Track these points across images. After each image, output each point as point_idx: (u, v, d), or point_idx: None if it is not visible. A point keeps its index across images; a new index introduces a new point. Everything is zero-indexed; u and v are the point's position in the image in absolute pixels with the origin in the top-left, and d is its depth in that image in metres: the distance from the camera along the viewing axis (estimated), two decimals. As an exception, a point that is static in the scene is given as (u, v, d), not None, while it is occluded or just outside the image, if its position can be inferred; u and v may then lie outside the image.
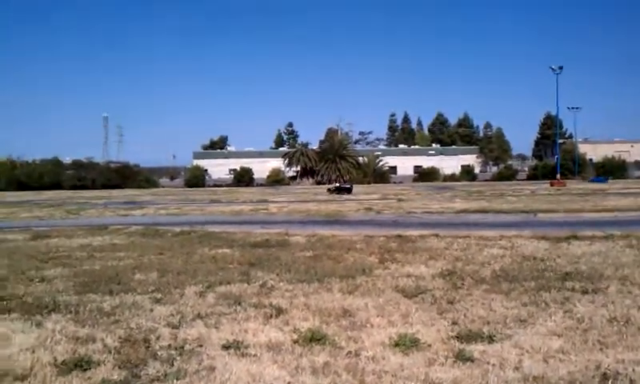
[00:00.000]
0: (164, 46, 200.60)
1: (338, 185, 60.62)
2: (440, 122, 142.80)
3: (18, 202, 48.29)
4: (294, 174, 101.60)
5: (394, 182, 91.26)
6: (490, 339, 6.30)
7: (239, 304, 8.00)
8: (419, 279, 9.58)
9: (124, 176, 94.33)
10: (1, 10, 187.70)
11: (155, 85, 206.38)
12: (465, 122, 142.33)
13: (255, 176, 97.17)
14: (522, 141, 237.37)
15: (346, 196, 47.89)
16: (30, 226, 22.93)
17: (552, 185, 59.16)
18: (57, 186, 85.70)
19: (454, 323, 6.94)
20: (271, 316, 7.40)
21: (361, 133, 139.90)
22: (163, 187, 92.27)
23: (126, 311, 7.74)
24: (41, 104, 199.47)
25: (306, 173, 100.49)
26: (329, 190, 56.85)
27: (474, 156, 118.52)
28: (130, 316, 7.51)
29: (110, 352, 6.12)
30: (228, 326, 6.98)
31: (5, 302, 8.31)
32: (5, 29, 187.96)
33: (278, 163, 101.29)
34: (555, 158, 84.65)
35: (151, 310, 7.78)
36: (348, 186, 57.19)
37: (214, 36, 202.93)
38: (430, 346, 6.14)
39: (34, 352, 6.15)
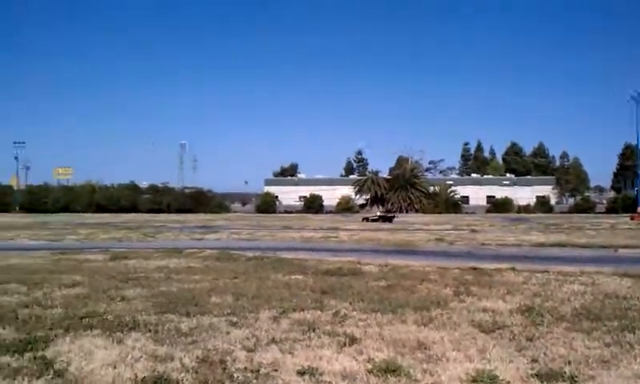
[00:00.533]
0: (237, 76, 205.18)
1: (379, 214, 62.16)
2: (514, 151, 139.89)
3: (97, 223, 50.22)
4: (364, 201, 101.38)
5: (466, 212, 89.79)
6: (572, 380, 6.06)
7: (313, 331, 8.00)
8: (496, 314, 9.32)
9: (198, 201, 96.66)
10: (84, 43, 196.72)
11: (229, 113, 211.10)
12: (540, 152, 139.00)
13: (325, 203, 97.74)
14: (600, 172, 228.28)
15: (386, 224, 49.29)
16: (109, 247, 23.73)
17: (632, 219, 56.75)
18: (134, 209, 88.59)
19: (534, 361, 6.71)
20: (345, 344, 7.35)
21: (431, 162, 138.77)
22: (235, 212, 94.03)
23: (202, 332, 7.87)
24: (119, 131, 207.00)
25: (375, 201, 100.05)
26: (366, 219, 57.63)
27: (550, 187, 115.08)
28: (206, 337, 7.63)
29: (187, 371, 6.23)
30: (302, 352, 6.98)
31: (87, 319, 8.59)
32: (86, 59, 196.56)
33: (347, 191, 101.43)
34: (635, 190, 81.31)
35: (227, 333, 7.88)
36: (391, 214, 59.13)
37: (286, 66, 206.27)
38: (508, 383, 5.96)
39: (115, 368, 6.34)
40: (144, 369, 6.30)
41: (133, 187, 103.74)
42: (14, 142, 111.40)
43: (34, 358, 6.64)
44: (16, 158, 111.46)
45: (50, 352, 6.88)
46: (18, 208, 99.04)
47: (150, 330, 7.97)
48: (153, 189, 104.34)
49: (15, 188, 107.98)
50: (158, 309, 9.49)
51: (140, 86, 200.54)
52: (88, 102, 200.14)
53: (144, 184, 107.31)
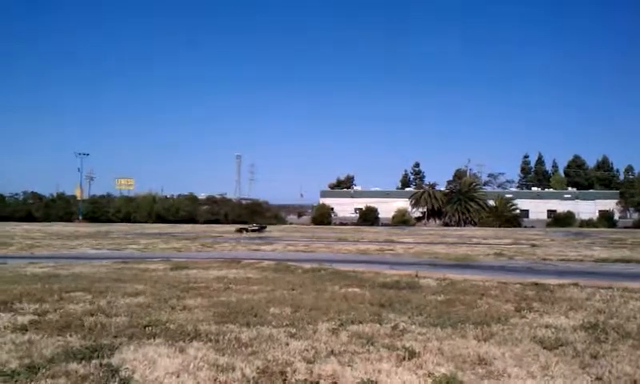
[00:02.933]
0: (294, 87, 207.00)
1: (254, 226, 62.86)
2: (577, 164, 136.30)
3: (157, 233, 51.35)
4: (420, 214, 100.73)
5: (526, 226, 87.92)
6: (639, 399, 5.88)
7: (372, 344, 7.96)
8: (559, 330, 9.10)
9: (254, 212, 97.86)
10: (147, 56, 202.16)
11: (286, 125, 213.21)
12: (604, 165, 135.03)
13: (380, 216, 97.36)
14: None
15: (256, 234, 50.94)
16: (169, 256, 24.25)
17: (701, 234, 54.52)
18: (192, 219, 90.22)
19: (598, 378, 6.54)
20: (404, 358, 7.30)
21: (490, 174, 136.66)
22: (291, 224, 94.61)
23: (262, 343, 7.93)
24: (179, 143, 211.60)
25: (432, 214, 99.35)
26: (239, 230, 58.64)
27: (614, 201, 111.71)
28: (266, 348, 7.69)
29: (248, 381, 6.31)
30: (361, 365, 6.97)
31: (150, 328, 8.78)
32: (148, 72, 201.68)
33: (403, 203, 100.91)
34: None
35: (286, 344, 7.92)
36: (257, 226, 60.35)
37: (344, 78, 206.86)
38: (573, 401, 5.82)
39: (178, 376, 6.47)
40: (206, 378, 6.41)
41: (191, 198, 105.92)
42: (78, 154, 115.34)
43: (100, 365, 6.82)
44: (79, 169, 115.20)
45: (115, 360, 7.06)
46: (81, 218, 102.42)
47: (211, 340, 8.09)
48: (211, 200, 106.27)
49: (79, 198, 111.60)
50: (218, 318, 9.63)
51: (197, 97, 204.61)
52: (149, 114, 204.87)
53: (202, 195, 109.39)
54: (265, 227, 62.34)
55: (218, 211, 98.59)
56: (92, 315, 9.85)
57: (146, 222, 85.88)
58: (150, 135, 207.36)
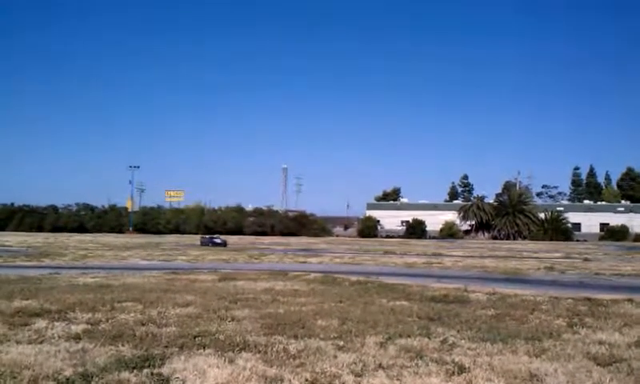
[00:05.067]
0: (341, 99, 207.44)
1: (212, 237, 60.39)
2: (631, 177, 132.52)
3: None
4: (469, 227, 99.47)
5: (578, 240, 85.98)
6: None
7: (420, 358, 7.89)
8: (613, 347, 8.86)
9: (301, 224, 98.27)
10: (192, 69, 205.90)
11: (332, 137, 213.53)
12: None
13: (428, 228, 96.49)
14: None
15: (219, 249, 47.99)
16: (218, 268, 24.54)
17: None
18: (239, 231, 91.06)
19: (655, 397, 6.34)
20: (454, 373, 7.21)
21: (544, 186, 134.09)
22: (337, 236, 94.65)
23: (310, 355, 7.95)
24: (227, 157, 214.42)
25: (481, 227, 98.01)
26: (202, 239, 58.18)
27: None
28: (314, 360, 7.70)
29: (296, 394, 6.33)
30: (410, 379, 6.92)
31: (200, 338, 8.89)
32: (194, 85, 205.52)
33: (451, 216, 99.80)
34: None
35: (334, 357, 7.91)
36: (219, 240, 56.93)
37: (392, 91, 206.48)
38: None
39: (228, 387, 6.53)
40: (255, 389, 6.45)
41: (239, 210, 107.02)
42: (130, 166, 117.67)
43: (152, 374, 6.94)
44: (130, 181, 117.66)
45: (165, 369, 7.17)
46: (132, 229, 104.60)
47: (259, 351, 8.15)
48: (257, 211, 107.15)
49: (130, 210, 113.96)
50: (266, 330, 9.69)
51: (246, 108, 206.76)
52: (199, 126, 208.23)
53: (249, 207, 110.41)
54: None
55: (265, 223, 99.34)
56: (143, 325, 10.04)
57: (195, 234, 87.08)
58: (199, 147, 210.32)
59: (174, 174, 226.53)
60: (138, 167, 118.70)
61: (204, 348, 8.32)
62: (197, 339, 8.84)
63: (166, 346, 8.37)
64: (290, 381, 6.76)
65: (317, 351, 8.20)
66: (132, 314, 11.26)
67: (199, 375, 6.96)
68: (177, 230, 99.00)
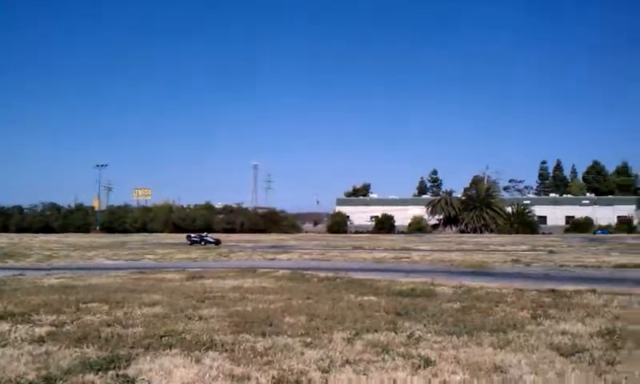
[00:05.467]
0: (310, 96, 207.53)
1: (201, 235, 56.74)
2: (596, 170, 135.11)
3: (173, 243, 51.64)
4: (437, 222, 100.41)
5: (544, 233, 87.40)
6: (657, 406, 5.82)
7: (387, 352, 7.95)
8: (575, 337, 9.04)
9: (270, 221, 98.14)
10: (157, 67, 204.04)
11: (303, 133, 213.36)
12: (623, 171, 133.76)
13: (396, 223, 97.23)
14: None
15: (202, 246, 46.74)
16: (186, 266, 24.37)
17: None
18: (208, 228, 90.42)
19: (615, 385, 6.48)
20: (420, 367, 7.28)
21: (511, 180, 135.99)
22: (307, 232, 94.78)
23: (278, 352, 7.95)
24: (196, 153, 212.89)
25: (449, 221, 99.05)
26: (188, 237, 55.23)
27: (633, 207, 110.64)
28: (281, 357, 7.71)
29: (264, 391, 6.33)
30: (377, 374, 6.96)
31: (167, 338, 8.82)
32: (162, 82, 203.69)
33: (420, 211, 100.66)
34: None
35: (302, 353, 7.93)
36: (211, 239, 54.12)
37: (360, 86, 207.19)
38: (590, 409, 5.78)
39: (194, 387, 6.50)
40: (221, 388, 6.43)
41: (208, 207, 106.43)
42: (97, 165, 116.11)
43: (117, 375, 6.87)
44: (97, 181, 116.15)
45: (131, 370, 7.10)
46: (98, 228, 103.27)
47: (226, 350, 8.13)
48: (227, 209, 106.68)
49: (97, 209, 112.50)
50: (234, 328, 9.66)
51: (214, 106, 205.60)
52: (166, 123, 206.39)
53: (219, 204, 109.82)
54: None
55: (234, 220, 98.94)
56: (109, 326, 9.92)
57: (162, 232, 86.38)
58: (167, 145, 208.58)
59: (142, 172, 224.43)
60: (106, 165, 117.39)
61: (170, 348, 8.25)
62: (163, 339, 8.77)
63: (132, 347, 8.29)
64: (257, 379, 6.75)
65: (284, 348, 8.21)
66: (97, 315, 11.12)
67: (165, 375, 6.92)
68: (144, 229, 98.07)
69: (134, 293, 14.56)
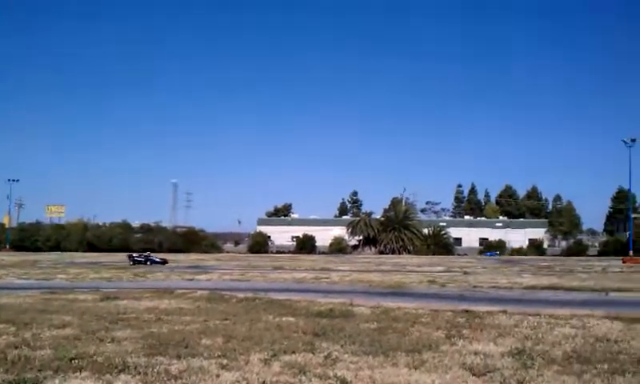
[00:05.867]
0: (232, 114, 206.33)
1: (145, 254, 54.04)
2: (508, 194, 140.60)
3: (87, 263, 49.91)
4: (357, 242, 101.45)
5: (458, 254, 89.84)
6: (563, 424, 6.06)
7: (304, 374, 7.95)
8: (487, 357, 9.31)
9: (190, 240, 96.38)
10: (74, 81, 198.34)
11: (223, 152, 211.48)
12: (534, 195, 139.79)
13: (318, 244, 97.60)
14: (593, 215, 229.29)
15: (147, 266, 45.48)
16: (99, 287, 23.61)
17: (624, 262, 56.93)
18: (125, 248, 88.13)
19: (525, 404, 6.71)
20: (336, 388, 7.32)
21: (428, 202, 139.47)
22: (227, 252, 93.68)
23: (192, 375, 7.81)
24: (113, 170, 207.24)
25: (368, 242, 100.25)
26: (130, 257, 53.36)
27: (543, 229, 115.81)
28: (196, 380, 7.58)
29: (177, 416, 6.19)
30: (293, 396, 6.94)
31: (76, 361, 8.51)
32: (76, 95, 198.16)
33: (340, 231, 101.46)
34: (627, 233, 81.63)
35: (217, 376, 7.82)
36: (157, 259, 52.12)
37: (281, 107, 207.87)
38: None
39: (104, 412, 6.28)
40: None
41: (124, 226, 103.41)
42: (8, 180, 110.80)
43: (23, 400, 6.57)
44: (8, 196, 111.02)
45: (38, 394, 6.81)
46: (8, 246, 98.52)
47: (139, 373, 7.92)
48: (145, 227, 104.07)
49: (7, 226, 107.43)
50: (148, 351, 9.43)
51: (131, 123, 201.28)
52: (82, 139, 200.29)
53: (136, 223, 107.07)
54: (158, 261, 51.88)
55: (152, 240, 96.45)
56: (16, 348, 9.51)
57: (76, 251, 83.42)
58: (82, 161, 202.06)
59: (55, 189, 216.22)
60: (18, 181, 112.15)
61: (80, 371, 8.00)
62: (73, 362, 8.47)
63: (40, 370, 7.98)
64: (170, 402, 6.60)
65: (199, 371, 8.07)
66: (4, 337, 10.66)
67: (73, 400, 6.67)
68: (58, 247, 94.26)
69: (43, 313, 14.03)
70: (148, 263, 49.68)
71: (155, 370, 8.04)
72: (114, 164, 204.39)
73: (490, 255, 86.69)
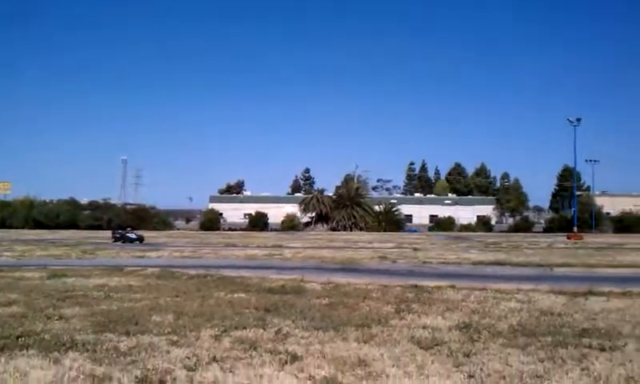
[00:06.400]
0: (184, 90, 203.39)
1: (122, 231, 51.69)
2: (457, 171, 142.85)
3: (34, 240, 48.71)
4: (309, 219, 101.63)
5: (409, 230, 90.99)
6: (507, 394, 6.27)
7: (255, 349, 8.00)
8: (435, 331, 9.53)
9: (140, 218, 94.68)
10: (20, 54, 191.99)
11: (175, 128, 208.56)
12: (482, 172, 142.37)
13: (270, 221, 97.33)
14: (540, 192, 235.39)
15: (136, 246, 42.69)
16: (47, 264, 23.09)
17: (569, 238, 58.58)
18: (73, 225, 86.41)
19: (470, 376, 6.89)
20: (286, 362, 7.39)
21: (379, 180, 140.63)
22: (178, 230, 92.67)
23: (142, 352, 7.78)
24: (61, 145, 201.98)
25: (320, 219, 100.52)
26: (114, 234, 51.06)
27: (491, 207, 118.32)
28: (146, 357, 7.55)
29: (126, 392, 6.17)
30: (243, 371, 6.99)
31: (23, 339, 8.38)
32: (22, 70, 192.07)
33: (293, 209, 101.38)
34: (572, 210, 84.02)
35: (167, 352, 7.81)
36: (133, 235, 49.57)
37: (235, 81, 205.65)
38: (445, 398, 6.11)
39: (51, 389, 6.22)
40: (81, 389, 6.20)
41: (72, 203, 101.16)
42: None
43: (-33, 379, 6.45)
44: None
45: (-18, 373, 6.68)
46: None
47: (87, 350, 7.84)
48: (93, 205, 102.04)
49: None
50: (96, 328, 9.34)
51: (81, 99, 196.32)
52: (29, 113, 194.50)
53: (84, 200, 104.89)
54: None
55: (101, 217, 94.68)
56: (-41, 327, 9.27)
57: (23, 228, 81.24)
58: (28, 136, 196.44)
59: (0, 166, 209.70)
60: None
61: (27, 348, 7.88)
62: (20, 340, 8.35)
63: (-16, 349, 7.80)
64: (119, 379, 6.57)
65: (149, 347, 8.05)
66: (-54, 317, 10.37)
67: (20, 377, 6.59)
68: (3, 225, 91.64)
69: (-13, 292, 13.66)
70: (122, 241, 47.61)
71: (104, 347, 7.98)
72: (62, 140, 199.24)
73: (411, 231, 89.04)
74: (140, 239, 48.62)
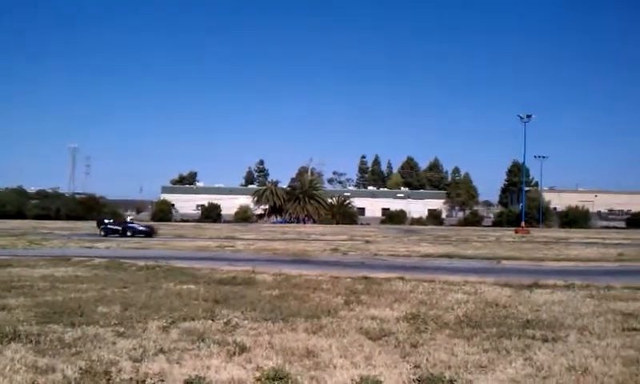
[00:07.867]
0: (135, 76, 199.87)
1: (129, 222, 44.02)
2: (410, 165, 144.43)
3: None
4: (263, 211, 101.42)
5: (362, 223, 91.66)
6: (451, 383, 6.38)
7: (202, 340, 7.96)
8: (383, 322, 9.62)
9: (89, 208, 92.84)
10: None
11: (125, 116, 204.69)
12: (435, 167, 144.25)
13: (223, 212, 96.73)
14: (490, 187, 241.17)
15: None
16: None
17: (516, 232, 60.01)
18: (20, 215, 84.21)
19: (417, 366, 6.99)
20: (234, 353, 7.37)
21: (334, 173, 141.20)
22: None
23: (87, 343, 7.65)
24: (7, 132, 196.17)
25: (274, 211, 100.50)
26: (99, 224, 42.69)
27: (442, 201, 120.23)
28: (91, 348, 7.43)
29: (69, 383, 6.07)
30: (190, 362, 6.94)
31: (-37, 330, 8.15)
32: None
33: (246, 200, 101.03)
34: (520, 205, 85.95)
35: (113, 343, 7.70)
36: (140, 226, 42.29)
37: (187, 70, 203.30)
38: (391, 388, 6.18)
39: (-9, 381, 6.06)
40: (22, 381, 6.08)
41: (20, 192, 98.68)
42: None
43: None
44: None
45: None
46: None
47: (31, 341, 7.67)
48: (41, 194, 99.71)
49: None
50: (41, 319, 9.14)
51: (29, 85, 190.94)
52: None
53: (32, 189, 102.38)
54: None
55: (49, 206, 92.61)
56: None
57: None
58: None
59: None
60: None
61: (-32, 340, 7.65)
62: (-42, 331, 8.10)
63: None
64: (62, 370, 6.44)
65: (94, 338, 7.92)
66: None
67: (-43, 370, 6.39)
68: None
69: None
70: (128, 233, 40.06)
71: (48, 339, 7.81)
72: (8, 126, 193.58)
73: (278, 222, 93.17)
74: (149, 232, 40.58)
